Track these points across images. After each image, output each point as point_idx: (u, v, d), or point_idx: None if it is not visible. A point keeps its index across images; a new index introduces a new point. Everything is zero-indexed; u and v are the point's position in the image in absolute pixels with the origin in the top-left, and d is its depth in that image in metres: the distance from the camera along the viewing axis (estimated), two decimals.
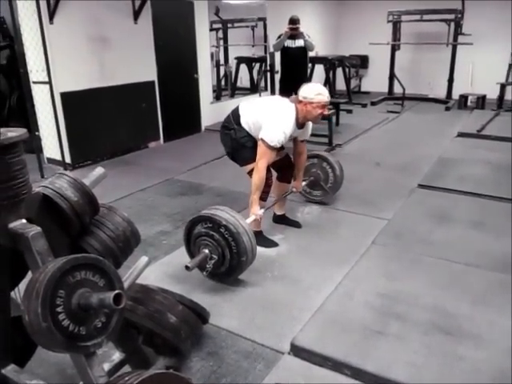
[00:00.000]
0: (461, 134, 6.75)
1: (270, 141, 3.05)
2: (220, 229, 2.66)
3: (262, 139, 3.08)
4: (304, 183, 3.85)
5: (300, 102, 3.14)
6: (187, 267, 2.59)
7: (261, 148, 3.09)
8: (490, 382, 2.05)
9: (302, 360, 2.27)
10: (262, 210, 3.21)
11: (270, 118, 3.11)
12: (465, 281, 2.89)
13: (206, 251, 2.70)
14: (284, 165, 3.53)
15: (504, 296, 2.69)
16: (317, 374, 2.18)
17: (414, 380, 2.06)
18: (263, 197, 3.29)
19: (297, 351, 2.31)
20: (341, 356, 2.21)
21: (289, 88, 6.75)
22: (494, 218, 3.83)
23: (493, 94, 8.77)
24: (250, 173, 3.23)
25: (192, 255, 2.88)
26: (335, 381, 2.13)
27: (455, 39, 9.14)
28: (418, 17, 9.22)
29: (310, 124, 3.40)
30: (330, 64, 9.07)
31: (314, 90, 3.14)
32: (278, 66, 7.31)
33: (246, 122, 3.23)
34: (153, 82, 6.47)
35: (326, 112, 3.23)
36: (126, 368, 1.95)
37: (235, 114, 3.30)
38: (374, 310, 2.60)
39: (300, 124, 3.21)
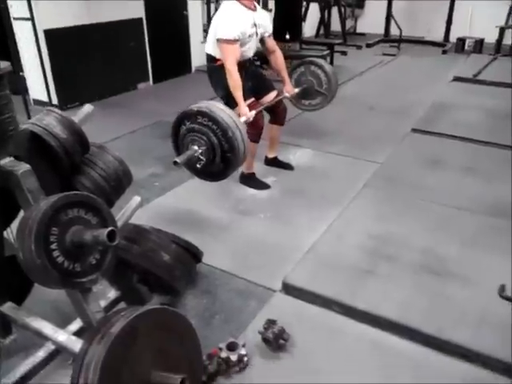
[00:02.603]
0: (456, 79, 6.63)
1: (223, 34, 2.95)
2: (197, 119, 2.46)
3: (217, 40, 2.99)
4: (296, 90, 3.67)
5: None
6: (175, 162, 2.37)
7: (220, 48, 3.00)
8: (476, 320, 2.13)
9: (294, 298, 2.33)
10: (253, 113, 3.05)
11: (216, 19, 3.07)
12: (455, 224, 2.93)
13: (194, 147, 2.45)
14: (277, 107, 3.44)
15: (493, 239, 2.74)
16: (307, 311, 2.25)
17: (402, 317, 2.13)
18: (255, 138, 3.24)
19: (288, 289, 2.37)
20: (331, 294, 2.27)
21: (283, 27, 6.54)
22: (486, 164, 3.84)
23: (491, 37, 8.53)
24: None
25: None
26: (326, 318, 2.20)
27: None
28: None
29: (265, 13, 3.30)
30: (326, 3, 8.74)
31: None
32: (271, 4, 7.02)
33: (213, 50, 3.11)
34: (140, 20, 6.18)
35: None
36: (122, 306, 2.00)
37: (208, 57, 3.20)
38: (365, 250, 2.64)
39: (248, 5, 3.07)
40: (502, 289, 2.24)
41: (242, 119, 2.90)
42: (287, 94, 3.53)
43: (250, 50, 3.19)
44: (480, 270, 2.47)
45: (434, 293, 2.31)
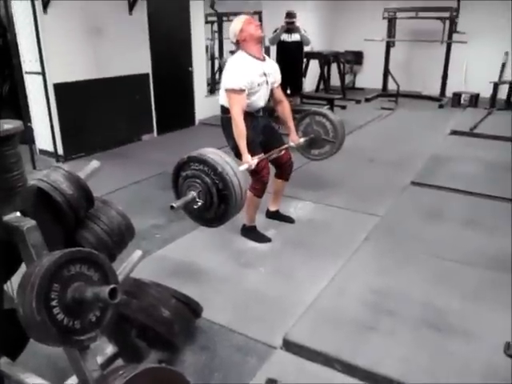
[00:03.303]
0: (454, 132, 6.78)
1: (230, 84, 3.03)
2: (190, 166, 2.51)
3: (225, 89, 3.08)
4: (302, 140, 3.71)
5: (237, 42, 3.18)
6: (172, 207, 2.39)
7: (228, 97, 3.08)
8: (479, 377, 2.08)
9: (294, 355, 2.29)
10: (255, 160, 3.08)
11: (226, 70, 3.18)
12: (456, 278, 2.92)
13: (192, 193, 2.48)
14: (284, 162, 3.48)
15: (494, 293, 2.72)
16: (308, 369, 2.20)
17: (404, 375, 2.08)
18: (259, 193, 3.28)
19: (289, 346, 2.33)
20: (332, 351, 2.23)
21: (284, 82, 6.74)
22: (486, 217, 3.87)
23: (486, 92, 8.80)
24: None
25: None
26: (327, 376, 2.15)
27: (450, 37, 9.14)
28: (413, 14, 9.21)
29: (274, 63, 3.41)
30: (325, 59, 9.06)
31: (232, 26, 3.19)
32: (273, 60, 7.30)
33: (226, 101, 3.17)
34: (147, 75, 6.42)
35: (257, 22, 3.28)
36: (119, 362, 1.96)
37: (221, 108, 3.27)
38: (366, 305, 2.62)
39: (256, 56, 3.16)
40: (508, 346, 2.21)
41: (244, 167, 2.94)
42: (292, 144, 3.58)
43: (260, 100, 3.22)
44: (482, 325, 2.44)
45: (435, 349, 2.27)
